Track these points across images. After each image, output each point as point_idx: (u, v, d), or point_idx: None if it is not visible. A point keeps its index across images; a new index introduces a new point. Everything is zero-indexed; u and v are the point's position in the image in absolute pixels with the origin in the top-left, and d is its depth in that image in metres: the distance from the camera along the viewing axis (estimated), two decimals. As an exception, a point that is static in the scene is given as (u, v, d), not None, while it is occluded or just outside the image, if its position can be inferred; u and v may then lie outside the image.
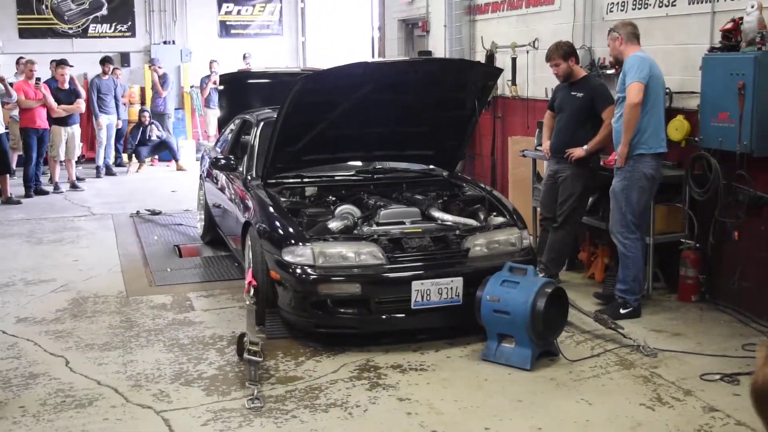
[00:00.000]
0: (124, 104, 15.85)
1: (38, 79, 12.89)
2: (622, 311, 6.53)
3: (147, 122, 15.39)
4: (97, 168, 14.87)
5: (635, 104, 6.22)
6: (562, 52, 7.13)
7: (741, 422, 4.71)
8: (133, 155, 15.54)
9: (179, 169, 15.66)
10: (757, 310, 6.45)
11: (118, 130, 15.63)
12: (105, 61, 15.25)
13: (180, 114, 17.42)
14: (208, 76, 16.42)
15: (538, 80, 9.34)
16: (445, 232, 6.30)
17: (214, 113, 16.22)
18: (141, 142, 15.41)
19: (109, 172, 15.00)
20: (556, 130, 7.37)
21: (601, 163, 7.23)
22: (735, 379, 5.28)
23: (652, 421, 4.77)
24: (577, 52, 7.41)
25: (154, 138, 15.43)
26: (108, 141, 15.09)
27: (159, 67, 16.13)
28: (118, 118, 15.25)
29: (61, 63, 13.65)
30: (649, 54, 6.48)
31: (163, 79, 16.13)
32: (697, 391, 5.16)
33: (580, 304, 6.52)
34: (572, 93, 7.20)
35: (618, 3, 7.88)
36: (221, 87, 9.72)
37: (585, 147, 7.02)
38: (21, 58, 13.10)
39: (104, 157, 15.01)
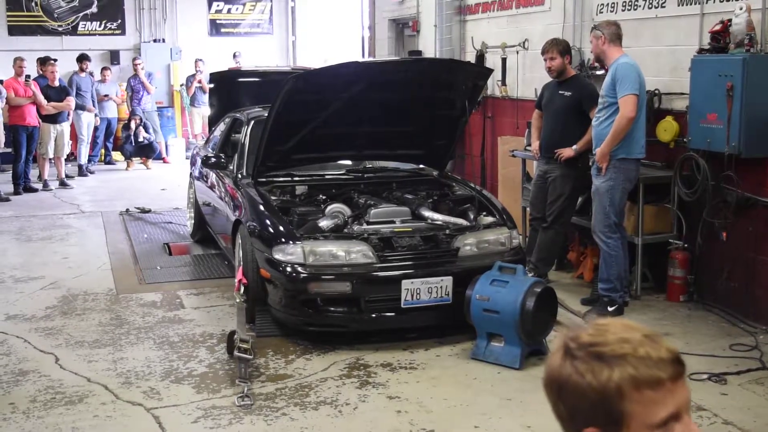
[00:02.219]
0: (116, 102, 15.75)
1: (28, 76, 12.85)
2: (609, 309, 6.56)
3: (138, 123, 15.33)
4: (80, 166, 14.78)
5: (631, 118, 6.27)
6: (561, 47, 7.19)
7: (728, 421, 4.75)
8: (120, 153, 15.56)
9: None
10: (744, 310, 6.49)
11: (107, 128, 15.58)
12: (82, 58, 15.14)
13: (170, 112, 17.37)
14: (194, 75, 16.34)
15: (527, 80, 9.36)
16: (435, 231, 6.32)
17: (199, 112, 16.18)
18: (128, 141, 15.39)
19: (81, 173, 14.84)
20: (544, 130, 7.40)
21: (590, 163, 7.26)
22: (722, 378, 5.32)
23: (640, 420, 4.79)
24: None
25: (140, 139, 15.37)
26: (87, 139, 14.98)
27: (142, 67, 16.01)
28: (96, 115, 15.14)
29: (47, 60, 13.61)
30: (635, 57, 6.53)
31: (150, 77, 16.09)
32: (684, 390, 5.18)
33: (569, 304, 6.56)
34: (560, 92, 7.24)
35: (608, 4, 7.91)
36: (211, 85, 9.72)
37: (574, 147, 7.06)
38: (18, 58, 13.04)
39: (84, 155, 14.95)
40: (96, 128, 15.24)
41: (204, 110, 15.71)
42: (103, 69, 15.77)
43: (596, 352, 1.51)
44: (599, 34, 6.52)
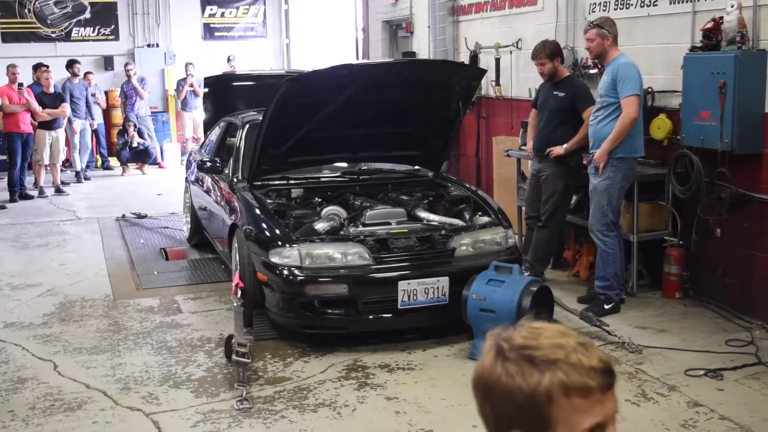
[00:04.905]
0: (101, 106, 15.70)
1: (20, 84, 12.84)
2: (606, 307, 6.59)
3: (132, 129, 15.31)
4: (77, 173, 14.77)
5: (634, 119, 6.32)
6: (549, 51, 7.17)
7: (725, 417, 4.77)
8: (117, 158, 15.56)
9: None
10: (740, 306, 6.52)
11: (97, 134, 15.56)
12: (72, 62, 15.10)
13: (164, 117, 17.35)
14: (184, 79, 16.30)
15: (521, 80, 9.39)
16: (431, 232, 6.34)
17: (190, 116, 16.15)
18: (124, 147, 15.39)
19: (79, 179, 14.77)
20: (537, 130, 7.43)
21: (584, 162, 7.28)
22: (719, 374, 5.34)
23: (638, 417, 4.82)
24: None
25: (135, 145, 15.36)
26: (84, 146, 14.97)
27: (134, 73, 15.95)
28: (92, 119, 15.14)
29: (38, 66, 13.60)
30: (628, 56, 6.56)
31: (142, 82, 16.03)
32: (681, 386, 5.22)
33: (566, 302, 6.57)
34: (554, 92, 7.25)
35: (600, 3, 7.93)
36: (206, 89, 9.73)
37: (565, 145, 7.08)
38: (11, 65, 13.03)
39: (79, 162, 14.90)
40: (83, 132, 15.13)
41: (195, 114, 15.72)
42: (86, 74, 15.55)
43: (528, 355, 1.50)
44: (605, 33, 6.48)
